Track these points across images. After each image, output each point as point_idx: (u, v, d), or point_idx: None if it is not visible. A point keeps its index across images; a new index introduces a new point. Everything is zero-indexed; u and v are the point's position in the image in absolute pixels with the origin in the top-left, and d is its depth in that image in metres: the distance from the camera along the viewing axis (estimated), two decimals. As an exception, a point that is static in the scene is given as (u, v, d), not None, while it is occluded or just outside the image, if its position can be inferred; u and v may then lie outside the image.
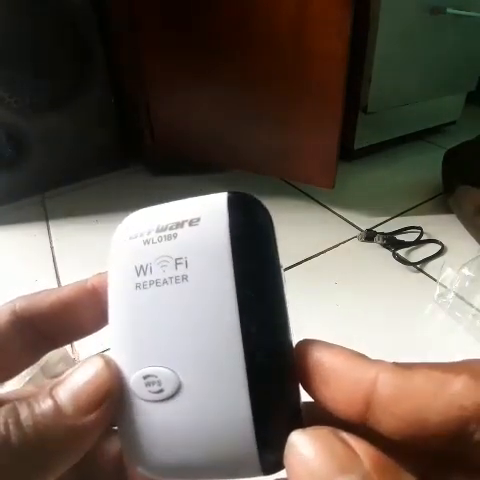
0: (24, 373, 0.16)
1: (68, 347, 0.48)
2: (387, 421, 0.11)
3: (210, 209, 0.13)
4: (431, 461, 0.12)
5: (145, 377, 0.12)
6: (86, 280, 0.15)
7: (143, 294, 0.13)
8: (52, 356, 0.41)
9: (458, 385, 0.10)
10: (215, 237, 0.13)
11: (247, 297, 0.12)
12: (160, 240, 0.13)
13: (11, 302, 0.15)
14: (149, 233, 0.14)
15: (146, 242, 0.14)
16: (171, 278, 0.13)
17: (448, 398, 0.10)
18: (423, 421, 0.11)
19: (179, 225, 0.13)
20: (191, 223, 0.13)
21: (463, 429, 0.10)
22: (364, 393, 0.11)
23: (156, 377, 0.12)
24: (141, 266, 0.13)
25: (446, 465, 0.12)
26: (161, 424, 0.12)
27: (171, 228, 0.13)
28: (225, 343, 0.12)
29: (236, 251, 0.13)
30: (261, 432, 0.11)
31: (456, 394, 0.10)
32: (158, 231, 0.14)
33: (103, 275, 0.15)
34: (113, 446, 0.15)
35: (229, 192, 0.14)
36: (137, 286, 0.13)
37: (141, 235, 0.14)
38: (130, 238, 0.14)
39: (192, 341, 0.12)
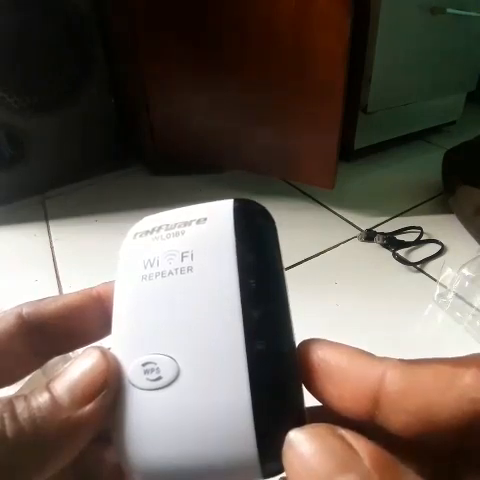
0: (26, 379, 0.16)
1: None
2: (396, 417, 0.11)
3: (217, 210, 0.14)
4: (440, 459, 0.12)
5: (144, 364, 0.12)
6: (92, 288, 0.16)
7: (148, 284, 0.13)
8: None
9: (468, 378, 0.10)
10: (221, 233, 0.13)
11: (249, 287, 0.12)
12: (168, 237, 0.14)
13: (18, 306, 0.15)
14: (158, 231, 0.14)
15: (155, 239, 0.14)
16: (176, 269, 0.13)
17: (458, 392, 0.10)
18: (433, 416, 0.10)
19: (187, 224, 0.14)
20: (198, 222, 0.14)
21: (474, 423, 0.10)
22: (372, 390, 0.11)
23: (155, 364, 0.12)
24: (149, 260, 0.14)
25: (456, 463, 0.12)
26: (157, 413, 0.12)
27: (179, 226, 0.14)
28: (226, 330, 0.12)
29: (240, 245, 0.13)
30: (260, 425, 0.11)
31: (466, 387, 0.10)
32: (167, 229, 0.14)
33: (109, 284, 0.15)
34: (113, 455, 0.15)
35: (235, 199, 0.15)
36: (143, 278, 0.13)
37: (151, 233, 0.14)
38: (140, 236, 0.15)
39: (193, 329, 0.12)
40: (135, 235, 0.15)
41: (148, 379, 0.12)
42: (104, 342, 0.15)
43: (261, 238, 0.14)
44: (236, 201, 0.14)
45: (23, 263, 0.66)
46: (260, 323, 0.12)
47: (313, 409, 0.13)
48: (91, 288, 0.16)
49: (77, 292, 0.15)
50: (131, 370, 0.12)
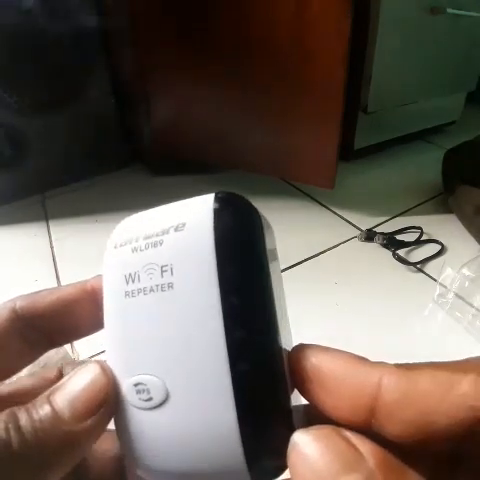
0: (23, 374, 0.16)
1: (68, 347, 0.48)
2: (393, 426, 0.11)
3: (196, 213, 0.13)
4: (439, 461, 0.12)
5: (135, 385, 0.12)
6: (86, 281, 0.16)
7: (132, 302, 0.13)
8: (52, 356, 0.41)
9: (466, 385, 0.10)
10: (200, 242, 0.12)
11: (232, 304, 0.12)
12: (147, 247, 0.13)
13: (11, 300, 0.15)
14: (137, 240, 0.14)
15: (134, 250, 0.13)
16: (157, 286, 0.13)
17: (456, 400, 0.10)
18: (431, 424, 0.10)
19: (165, 231, 0.13)
20: (177, 229, 0.13)
21: (473, 430, 0.10)
22: (368, 399, 0.11)
23: (145, 385, 0.12)
24: (130, 274, 0.13)
25: (454, 466, 0.11)
26: (151, 432, 0.12)
27: (158, 235, 0.13)
28: (210, 351, 0.12)
29: (221, 256, 0.12)
30: (248, 443, 0.11)
31: (464, 395, 0.10)
32: (145, 238, 0.13)
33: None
34: (114, 447, 0.15)
35: (217, 193, 0.13)
36: (126, 294, 0.13)
37: (130, 242, 0.14)
38: (120, 246, 0.14)
39: (178, 349, 0.12)
40: (115, 245, 0.14)
41: (140, 399, 0.12)
42: (103, 339, 0.15)
43: (243, 243, 0.13)
44: (217, 197, 0.13)
45: (23, 263, 0.66)
46: (243, 342, 0.12)
47: (309, 407, 0.13)
48: (85, 281, 0.16)
49: (71, 286, 0.15)
50: (125, 389, 0.13)
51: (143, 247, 0.13)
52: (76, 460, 0.12)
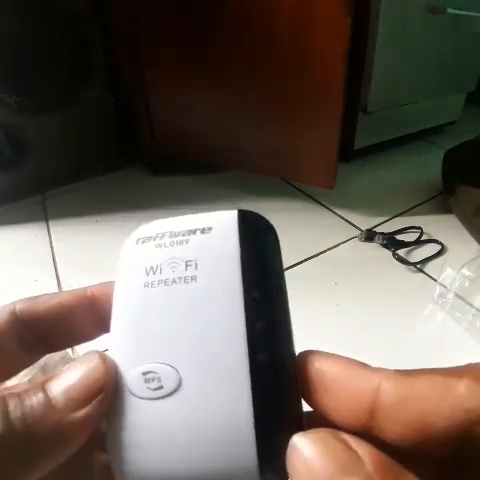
0: (23, 374, 0.16)
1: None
2: (391, 429, 0.11)
3: (222, 220, 0.14)
4: (437, 465, 0.12)
5: (145, 373, 0.12)
6: (87, 288, 0.16)
7: (151, 292, 0.13)
8: (52, 356, 0.41)
9: (461, 389, 0.10)
10: (225, 243, 0.14)
11: (253, 300, 0.12)
12: (172, 244, 0.14)
13: (11, 304, 0.15)
14: (162, 238, 0.14)
15: (158, 246, 0.14)
16: (180, 278, 0.13)
17: (452, 402, 0.10)
18: (428, 427, 0.10)
19: (191, 232, 0.14)
20: (203, 231, 0.14)
21: (469, 432, 0.10)
22: (367, 403, 0.11)
23: (156, 373, 0.12)
24: (151, 267, 0.14)
25: (452, 468, 0.12)
26: (156, 422, 0.12)
27: (184, 235, 0.14)
28: (229, 342, 0.12)
29: (245, 256, 0.13)
30: (261, 437, 0.11)
31: (460, 398, 0.10)
32: (171, 237, 0.14)
33: (106, 284, 0.15)
34: (103, 457, 0.15)
35: (239, 209, 0.15)
36: (145, 285, 0.13)
37: (154, 240, 0.14)
38: (142, 242, 0.15)
39: (196, 339, 0.12)
40: (137, 240, 0.15)
41: (149, 388, 0.12)
42: (103, 340, 0.15)
43: (265, 251, 0.14)
44: (240, 212, 0.15)
45: (23, 263, 0.66)
46: (263, 336, 0.12)
47: (310, 414, 0.13)
48: (85, 288, 0.16)
49: (71, 291, 0.16)
50: (131, 378, 0.12)
51: (168, 244, 0.14)
52: (66, 453, 0.11)
